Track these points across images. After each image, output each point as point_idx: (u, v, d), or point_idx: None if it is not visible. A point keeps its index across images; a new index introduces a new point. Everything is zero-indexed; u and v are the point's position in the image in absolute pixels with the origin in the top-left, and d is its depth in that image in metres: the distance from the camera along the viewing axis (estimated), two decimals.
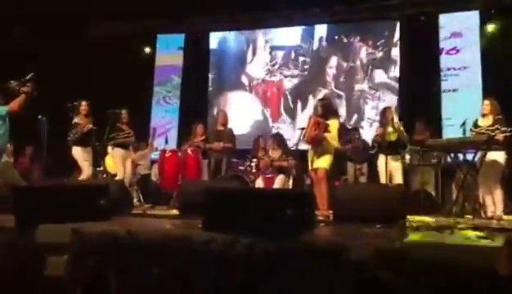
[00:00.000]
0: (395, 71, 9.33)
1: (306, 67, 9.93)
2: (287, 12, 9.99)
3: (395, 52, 9.40)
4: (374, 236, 3.88)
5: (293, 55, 10.09)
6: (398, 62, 9.28)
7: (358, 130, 8.30)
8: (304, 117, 9.33)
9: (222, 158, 7.36)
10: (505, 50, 8.19)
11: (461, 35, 9.05)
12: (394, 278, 2.81)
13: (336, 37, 9.81)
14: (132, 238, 3.34)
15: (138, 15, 10.21)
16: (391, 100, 9.10)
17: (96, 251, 3.33)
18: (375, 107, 9.14)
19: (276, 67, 10.15)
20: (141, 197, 7.71)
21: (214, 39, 10.84)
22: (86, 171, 6.79)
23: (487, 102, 6.06)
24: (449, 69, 9.04)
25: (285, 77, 10.09)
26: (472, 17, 9.00)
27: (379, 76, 9.42)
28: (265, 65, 10.28)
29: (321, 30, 9.97)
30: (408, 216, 5.07)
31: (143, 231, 3.52)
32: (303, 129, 6.18)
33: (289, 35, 10.20)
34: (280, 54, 10.20)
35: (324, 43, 9.87)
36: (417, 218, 5.35)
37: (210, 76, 10.76)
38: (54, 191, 4.36)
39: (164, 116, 10.76)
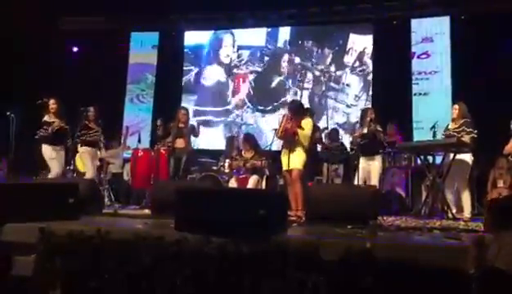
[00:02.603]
0: (346, 77, 9.71)
1: (269, 65, 10.32)
2: (261, 13, 10.03)
3: (347, 59, 9.77)
4: (345, 236, 3.92)
5: (258, 54, 10.39)
6: (349, 69, 9.80)
7: (338, 130, 8.37)
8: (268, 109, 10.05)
9: (182, 157, 7.20)
10: (475, 55, 8.39)
11: (432, 40, 9.24)
12: (365, 278, 2.85)
13: (299, 41, 10.19)
14: (102, 237, 3.29)
15: (112, 12, 10.09)
16: (341, 100, 9.69)
17: (65, 251, 3.27)
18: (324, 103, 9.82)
19: (243, 63, 10.47)
20: (112, 196, 7.61)
21: (189, 38, 10.81)
22: (54, 169, 6.65)
23: (456, 106, 6.19)
24: (420, 73, 9.22)
25: (251, 72, 10.40)
26: (443, 22, 9.20)
27: (331, 79, 9.86)
28: (233, 61, 10.57)
29: (284, 33, 10.28)
30: (379, 217, 5.14)
31: (114, 231, 3.47)
32: (275, 130, 6.20)
33: (256, 36, 10.45)
34: (246, 53, 10.48)
35: (287, 46, 10.25)
36: (387, 219, 5.43)
37: (184, 74, 10.71)
38: (22, 189, 4.27)
39: (138, 115, 10.64)
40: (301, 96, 9.87)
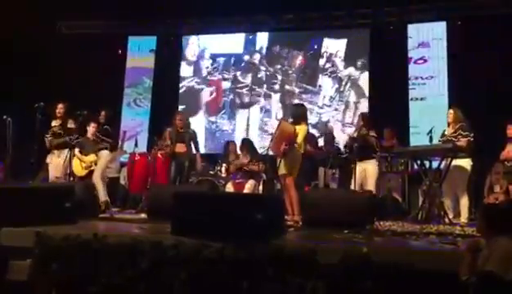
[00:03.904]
0: (321, 79, 9.90)
1: (243, 70, 10.42)
2: (261, 16, 10.08)
3: (321, 62, 9.93)
4: (342, 241, 3.92)
5: (233, 60, 10.47)
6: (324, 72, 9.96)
7: (333, 135, 8.36)
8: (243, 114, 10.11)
9: (184, 161, 7.16)
10: (471, 60, 8.43)
11: (429, 45, 9.28)
12: (363, 282, 2.85)
13: (276, 46, 10.29)
14: (98, 242, 3.28)
15: (110, 16, 10.10)
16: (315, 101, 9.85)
17: (61, 255, 3.25)
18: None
19: (218, 70, 10.55)
20: (108, 200, 7.56)
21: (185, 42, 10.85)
22: (50, 173, 6.67)
23: (451, 111, 6.25)
24: (417, 78, 9.24)
25: (225, 79, 10.47)
26: (439, 28, 9.24)
27: (307, 82, 10.00)
28: (207, 69, 10.67)
29: (262, 39, 10.39)
30: (375, 222, 5.15)
31: (111, 235, 3.46)
32: (272, 135, 6.19)
33: (232, 43, 10.55)
34: (221, 60, 10.56)
35: (263, 51, 10.38)
36: (384, 224, 5.43)
37: (182, 79, 10.73)
38: (18, 193, 4.26)
39: (135, 119, 10.61)
40: (270, 97, 10.10)
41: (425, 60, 9.26)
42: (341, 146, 8.18)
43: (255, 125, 10.01)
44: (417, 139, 8.29)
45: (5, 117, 6.69)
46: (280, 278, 2.93)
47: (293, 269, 2.95)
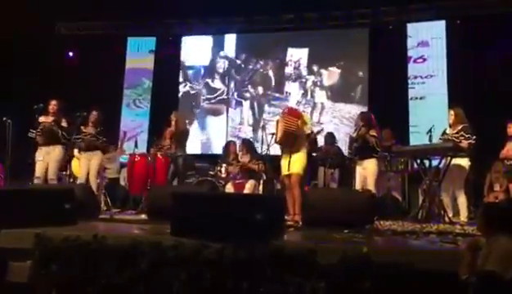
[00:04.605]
0: (288, 86, 10.31)
1: (214, 80, 10.73)
2: (258, 17, 10.09)
3: (288, 70, 10.30)
4: (342, 241, 3.92)
5: (202, 71, 10.74)
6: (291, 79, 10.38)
7: (334, 135, 8.34)
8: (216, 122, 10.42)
9: (179, 160, 7.22)
10: (471, 59, 8.43)
11: (428, 44, 9.28)
12: (363, 282, 2.85)
13: (243, 55, 10.61)
14: (98, 243, 3.28)
15: (109, 17, 10.11)
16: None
17: (61, 256, 3.25)
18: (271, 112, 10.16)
19: (189, 81, 10.84)
20: (108, 201, 7.57)
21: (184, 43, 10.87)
22: (36, 172, 6.58)
23: (451, 112, 6.18)
24: (416, 77, 9.25)
25: (193, 89, 10.73)
26: (438, 27, 9.24)
27: (275, 90, 10.39)
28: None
29: (230, 49, 10.67)
30: (375, 221, 5.15)
31: (110, 236, 3.46)
32: (273, 134, 6.19)
33: (201, 54, 10.78)
34: (190, 72, 10.83)
35: (233, 61, 10.66)
36: (384, 223, 5.43)
37: (181, 80, 10.75)
38: (17, 195, 4.25)
39: (134, 119, 10.62)
40: (241, 104, 10.40)
41: (425, 59, 9.27)
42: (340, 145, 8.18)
43: (230, 132, 10.23)
44: (417, 138, 8.30)
45: (4, 118, 6.68)
46: (280, 278, 2.93)
47: (293, 270, 2.95)
